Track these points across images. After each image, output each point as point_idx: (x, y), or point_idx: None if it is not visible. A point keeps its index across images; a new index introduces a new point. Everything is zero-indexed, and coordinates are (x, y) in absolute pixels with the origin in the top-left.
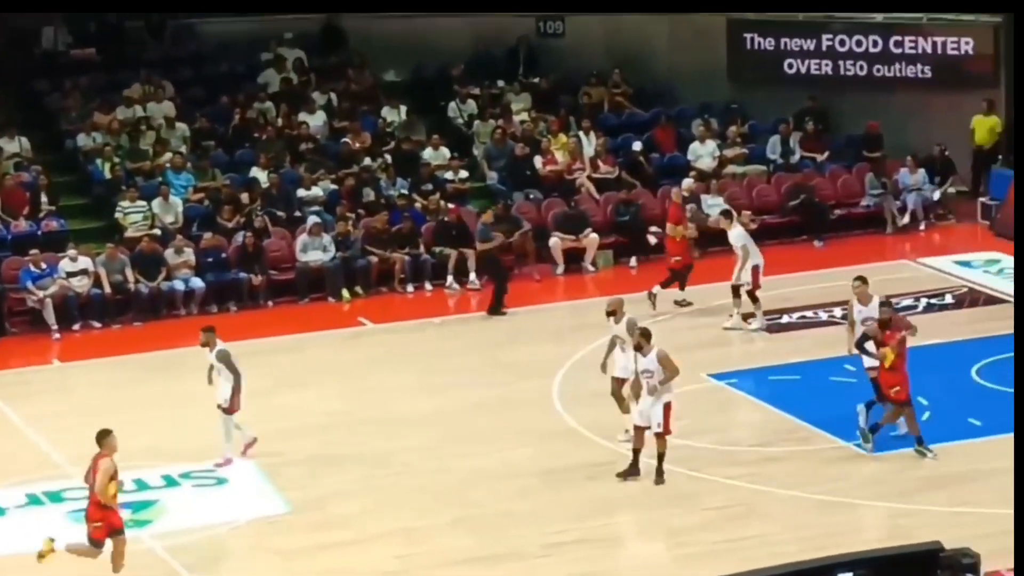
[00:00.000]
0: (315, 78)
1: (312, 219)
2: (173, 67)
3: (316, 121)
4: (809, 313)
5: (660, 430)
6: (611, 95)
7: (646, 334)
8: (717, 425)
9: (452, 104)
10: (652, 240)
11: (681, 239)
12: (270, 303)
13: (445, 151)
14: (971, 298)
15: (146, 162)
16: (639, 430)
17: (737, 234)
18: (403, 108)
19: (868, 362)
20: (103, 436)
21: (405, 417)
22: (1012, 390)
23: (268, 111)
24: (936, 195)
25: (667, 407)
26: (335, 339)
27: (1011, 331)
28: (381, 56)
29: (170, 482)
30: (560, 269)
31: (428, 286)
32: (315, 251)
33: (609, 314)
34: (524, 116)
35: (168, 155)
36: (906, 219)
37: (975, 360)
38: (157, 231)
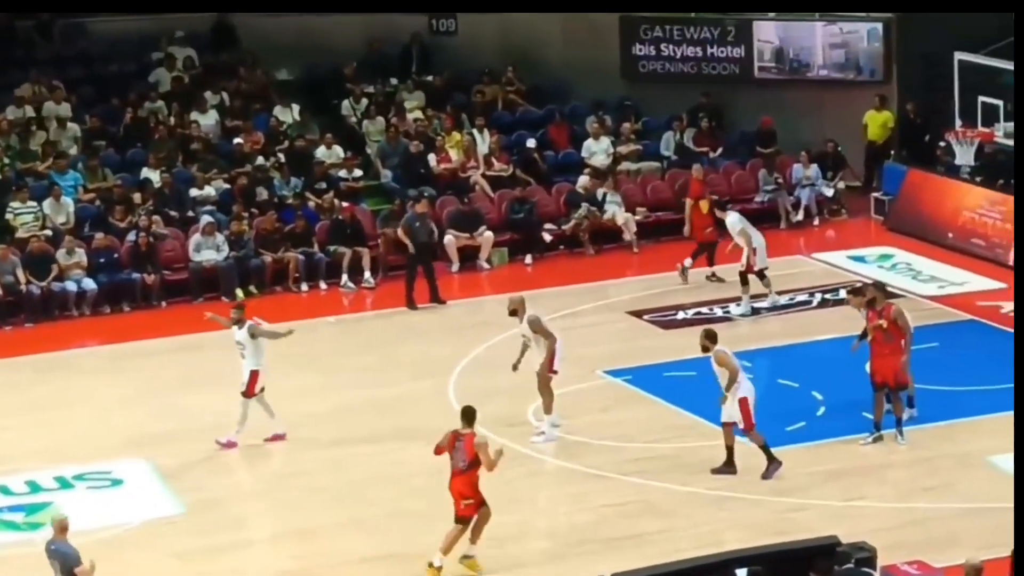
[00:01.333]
0: (207, 77)
1: (205, 219)
2: (63, 66)
3: (208, 120)
4: (704, 309)
5: (743, 426)
6: (504, 93)
7: (711, 336)
8: (613, 422)
9: (345, 102)
10: (547, 237)
11: (707, 213)
12: (163, 303)
13: (339, 150)
14: None
15: (36, 162)
16: (727, 426)
17: (733, 219)
18: (296, 107)
19: None
20: (471, 416)
21: (301, 417)
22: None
23: (159, 110)
24: (829, 190)
25: (743, 402)
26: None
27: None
28: (273, 55)
29: (64, 484)
30: (455, 267)
31: (323, 285)
32: (208, 251)
33: (511, 313)
34: (418, 114)
35: (57, 156)
36: (800, 215)
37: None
38: (48, 232)
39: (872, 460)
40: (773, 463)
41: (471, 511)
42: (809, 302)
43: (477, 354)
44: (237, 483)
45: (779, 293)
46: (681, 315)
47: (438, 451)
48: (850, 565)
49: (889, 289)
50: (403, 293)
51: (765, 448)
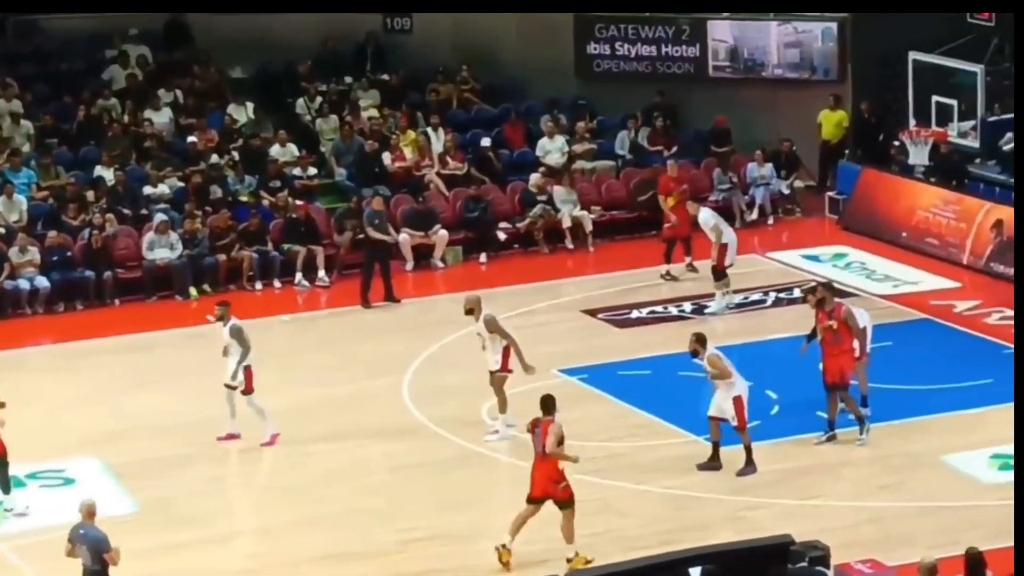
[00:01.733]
0: (160, 75)
1: (159, 217)
2: (16, 64)
3: (162, 118)
4: (659, 308)
5: (736, 423)
6: (459, 91)
7: (701, 339)
8: (567, 420)
9: (300, 101)
10: (501, 236)
11: (676, 206)
12: (117, 301)
13: (293, 148)
14: None
15: None
16: (714, 421)
17: (706, 215)
18: (250, 105)
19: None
20: (550, 405)
21: (255, 415)
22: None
23: (113, 108)
24: (783, 189)
25: (737, 400)
26: (183, 337)
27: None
28: (227, 52)
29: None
30: (409, 265)
31: (277, 283)
32: (162, 249)
33: (467, 312)
34: (372, 112)
35: (10, 153)
36: (754, 214)
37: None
38: (1, 230)
39: (827, 459)
40: (750, 466)
41: (568, 492)
42: (763, 301)
43: (431, 353)
44: (191, 482)
45: (735, 292)
46: (636, 314)
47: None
48: (804, 564)
49: (843, 288)
50: (358, 291)
51: (749, 449)
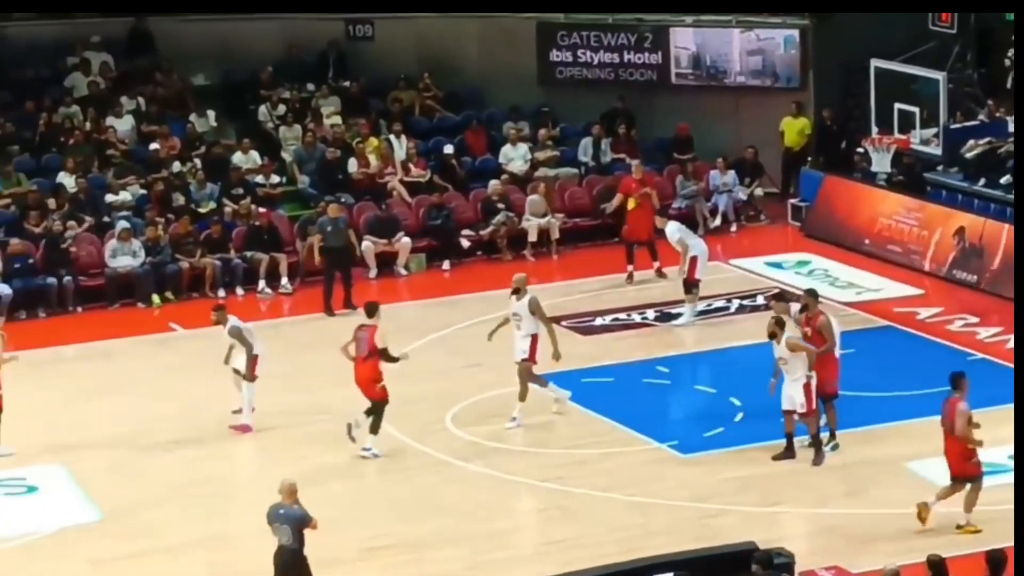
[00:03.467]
0: (123, 82)
1: (121, 224)
2: None
3: (124, 126)
4: (622, 315)
5: (804, 411)
6: (422, 98)
7: (780, 323)
8: (531, 427)
9: (262, 108)
10: (465, 243)
11: (635, 208)
12: (79, 309)
13: (255, 155)
14: None
15: None
16: (787, 414)
17: (672, 229)
18: (212, 112)
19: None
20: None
21: (217, 423)
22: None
23: (75, 115)
24: (745, 196)
25: (807, 387)
26: (146, 345)
27: None
28: (189, 60)
29: None
30: (372, 272)
31: (240, 291)
32: (124, 256)
33: (514, 292)
34: (335, 120)
35: None
36: (717, 221)
37: None
38: None
39: (791, 466)
40: (819, 455)
41: (977, 469)
42: (727, 308)
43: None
44: (152, 489)
45: (699, 299)
46: (599, 321)
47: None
48: (770, 571)
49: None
50: (321, 299)
51: (816, 439)
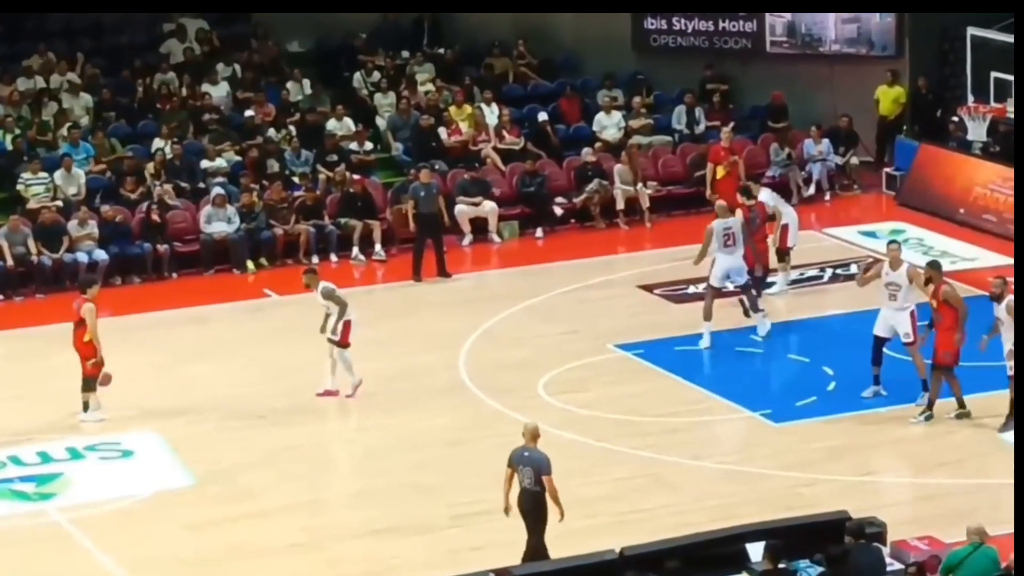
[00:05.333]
0: (218, 49)
1: (216, 190)
2: (74, 38)
3: (219, 92)
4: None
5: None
6: (515, 66)
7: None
8: (623, 395)
9: (357, 75)
10: (558, 211)
11: (724, 176)
12: (174, 275)
13: (349, 122)
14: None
15: (48, 133)
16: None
17: (764, 197)
18: (307, 80)
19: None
20: None
21: (310, 389)
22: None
23: (171, 82)
24: (839, 164)
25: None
26: (240, 311)
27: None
28: (284, 26)
29: (75, 455)
30: (467, 239)
31: (333, 258)
32: (219, 223)
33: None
34: (429, 87)
35: (70, 127)
36: (811, 189)
37: None
38: (60, 203)
39: (884, 436)
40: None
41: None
42: (820, 277)
43: (488, 327)
44: (246, 455)
45: (792, 267)
46: (692, 289)
47: None
48: (863, 538)
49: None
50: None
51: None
